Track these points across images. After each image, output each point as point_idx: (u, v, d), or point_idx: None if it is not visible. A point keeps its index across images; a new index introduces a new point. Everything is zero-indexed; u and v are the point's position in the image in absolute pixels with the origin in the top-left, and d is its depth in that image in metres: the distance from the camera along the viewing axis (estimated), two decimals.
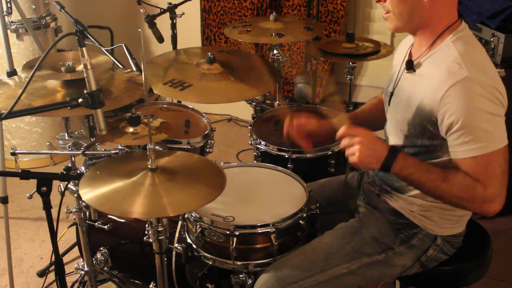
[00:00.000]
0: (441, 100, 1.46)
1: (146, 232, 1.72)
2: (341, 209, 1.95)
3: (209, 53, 2.19)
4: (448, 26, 1.55)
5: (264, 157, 2.25)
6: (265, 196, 1.88)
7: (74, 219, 2.04)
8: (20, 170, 1.70)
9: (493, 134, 1.44)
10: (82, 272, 2.12)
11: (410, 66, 1.62)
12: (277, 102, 2.75)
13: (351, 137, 1.53)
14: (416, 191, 1.63)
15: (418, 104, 1.54)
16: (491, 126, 1.44)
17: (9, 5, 3.00)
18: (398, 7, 1.55)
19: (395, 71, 1.75)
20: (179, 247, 1.81)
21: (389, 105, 1.73)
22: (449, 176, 1.48)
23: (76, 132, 2.10)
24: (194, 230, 1.75)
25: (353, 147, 1.52)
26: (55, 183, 1.77)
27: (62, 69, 1.93)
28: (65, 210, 2.00)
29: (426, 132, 1.55)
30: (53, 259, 1.89)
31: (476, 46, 1.57)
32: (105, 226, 2.08)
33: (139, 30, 1.45)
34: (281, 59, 2.68)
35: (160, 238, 1.68)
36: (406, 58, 1.66)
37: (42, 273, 2.65)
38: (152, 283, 2.02)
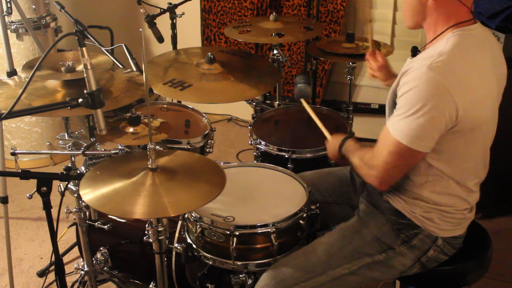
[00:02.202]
0: (400, 79, 1.53)
1: (146, 232, 1.72)
2: (342, 201, 1.95)
3: (209, 53, 2.19)
4: (454, 24, 1.55)
5: (264, 157, 2.25)
6: (265, 196, 1.89)
7: (74, 219, 2.04)
8: (20, 170, 1.70)
9: (409, 129, 1.47)
10: (82, 272, 2.12)
11: (414, 53, 1.66)
12: (277, 102, 2.75)
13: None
14: (418, 194, 1.64)
15: (394, 85, 1.59)
16: (413, 123, 1.46)
17: (9, 5, 3.00)
18: (404, 5, 1.64)
19: None
20: (179, 247, 1.81)
21: None
22: (363, 151, 1.67)
23: (76, 132, 2.10)
24: (194, 230, 1.75)
25: None
26: (55, 183, 1.77)
27: (62, 69, 1.93)
28: (65, 210, 2.00)
29: None
30: (53, 259, 1.89)
31: (470, 44, 1.55)
32: (105, 226, 2.08)
33: (140, 30, 1.45)
34: (281, 59, 2.68)
35: (160, 238, 1.68)
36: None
37: (42, 273, 2.65)
38: (152, 283, 2.02)
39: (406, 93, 1.48)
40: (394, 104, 1.58)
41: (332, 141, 1.85)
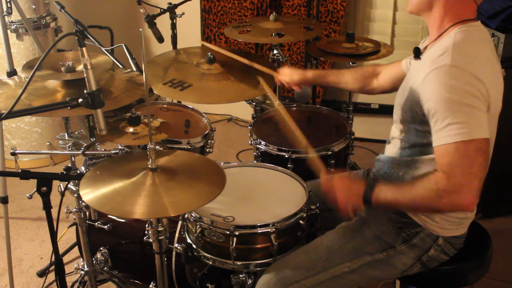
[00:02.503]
0: (422, 83, 1.48)
1: (146, 232, 1.72)
2: None
3: (209, 53, 2.19)
4: (458, 21, 1.55)
5: (264, 157, 2.25)
6: (265, 196, 1.88)
7: (74, 219, 2.04)
8: (20, 170, 1.70)
9: (464, 124, 1.41)
10: (82, 272, 2.12)
11: (417, 53, 1.64)
12: (277, 102, 2.74)
13: (330, 189, 1.64)
14: None
15: (410, 88, 1.57)
16: (463, 116, 1.42)
17: (9, 5, 3.00)
18: None
19: None
20: (179, 247, 1.81)
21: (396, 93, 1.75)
22: (414, 183, 1.51)
23: (76, 132, 2.10)
24: (194, 230, 1.75)
25: (335, 197, 1.62)
26: (55, 183, 1.77)
27: (62, 69, 1.93)
28: (65, 210, 2.00)
29: (416, 116, 1.56)
30: (53, 259, 1.89)
31: (477, 39, 1.56)
32: (105, 226, 2.08)
33: (140, 30, 1.45)
34: (281, 59, 2.68)
35: (160, 238, 1.68)
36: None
37: (42, 273, 2.65)
38: (152, 283, 2.02)
39: (441, 100, 1.43)
40: (413, 111, 1.55)
41: (344, 191, 1.61)
